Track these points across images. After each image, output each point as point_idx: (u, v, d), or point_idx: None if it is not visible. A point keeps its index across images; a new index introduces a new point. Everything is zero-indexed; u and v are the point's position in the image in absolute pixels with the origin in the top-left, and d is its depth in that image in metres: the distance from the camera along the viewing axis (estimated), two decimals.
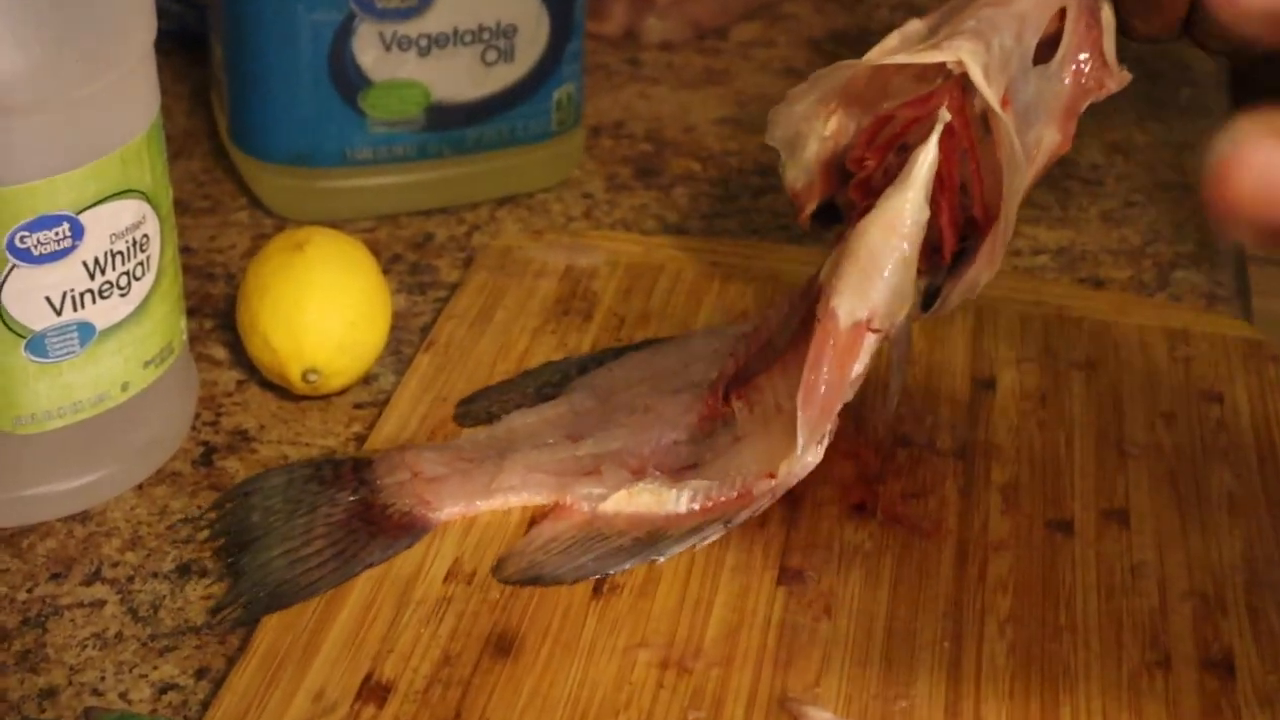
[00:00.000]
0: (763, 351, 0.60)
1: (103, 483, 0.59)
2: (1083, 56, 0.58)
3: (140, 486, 0.60)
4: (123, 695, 0.52)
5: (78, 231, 0.54)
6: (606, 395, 0.62)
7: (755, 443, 0.57)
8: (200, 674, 0.53)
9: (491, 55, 0.74)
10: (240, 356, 0.66)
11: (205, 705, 0.51)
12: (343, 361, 0.63)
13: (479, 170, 0.77)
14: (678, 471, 0.58)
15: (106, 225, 0.55)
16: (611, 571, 0.55)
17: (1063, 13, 0.57)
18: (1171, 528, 0.58)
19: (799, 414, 0.54)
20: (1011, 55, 0.55)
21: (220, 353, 0.68)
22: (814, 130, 0.60)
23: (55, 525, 0.59)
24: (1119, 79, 0.59)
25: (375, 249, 0.73)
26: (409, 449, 0.59)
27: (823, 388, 0.54)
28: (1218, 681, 0.52)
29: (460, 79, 0.74)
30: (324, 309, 0.63)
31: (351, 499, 0.57)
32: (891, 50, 0.58)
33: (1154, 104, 0.88)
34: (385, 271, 0.72)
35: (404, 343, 0.68)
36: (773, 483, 0.56)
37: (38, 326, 0.55)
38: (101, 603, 0.56)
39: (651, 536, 0.56)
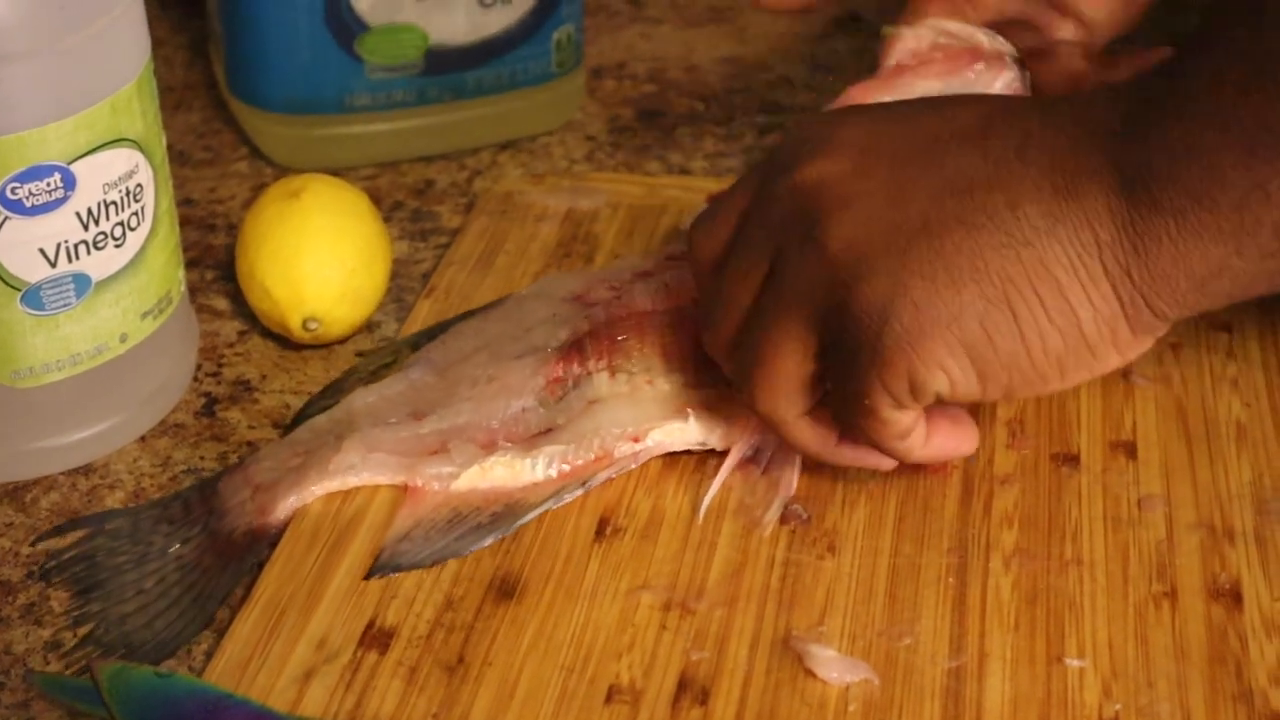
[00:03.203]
0: (633, 320, 0.58)
1: (105, 435, 0.59)
2: None
3: (143, 438, 0.60)
4: None
5: (69, 182, 0.54)
6: (444, 368, 0.59)
7: (618, 407, 0.56)
8: (204, 624, 0.53)
9: None
10: (241, 307, 0.66)
11: (209, 655, 0.51)
12: (343, 309, 0.63)
13: (479, 115, 0.76)
14: (531, 439, 0.56)
15: (99, 175, 0.55)
16: (471, 550, 0.53)
17: None
18: (1179, 459, 0.57)
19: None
20: None
21: (221, 303, 0.68)
22: None
23: (58, 479, 0.59)
24: None
25: (376, 196, 0.73)
26: (251, 464, 0.57)
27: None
28: (1225, 611, 0.51)
29: (458, 22, 0.73)
30: (322, 257, 0.63)
31: (201, 534, 0.55)
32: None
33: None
34: (386, 219, 0.72)
35: (406, 290, 0.68)
36: (637, 446, 0.56)
37: (32, 279, 0.55)
38: None
39: (509, 510, 0.55)
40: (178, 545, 0.55)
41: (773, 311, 0.50)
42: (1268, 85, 0.42)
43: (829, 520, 0.55)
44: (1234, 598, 0.52)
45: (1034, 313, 0.46)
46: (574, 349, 0.58)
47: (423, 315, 0.65)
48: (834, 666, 0.49)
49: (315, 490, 0.56)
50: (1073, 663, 0.50)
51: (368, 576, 0.53)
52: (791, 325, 0.50)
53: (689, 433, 0.56)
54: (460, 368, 0.59)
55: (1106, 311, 0.46)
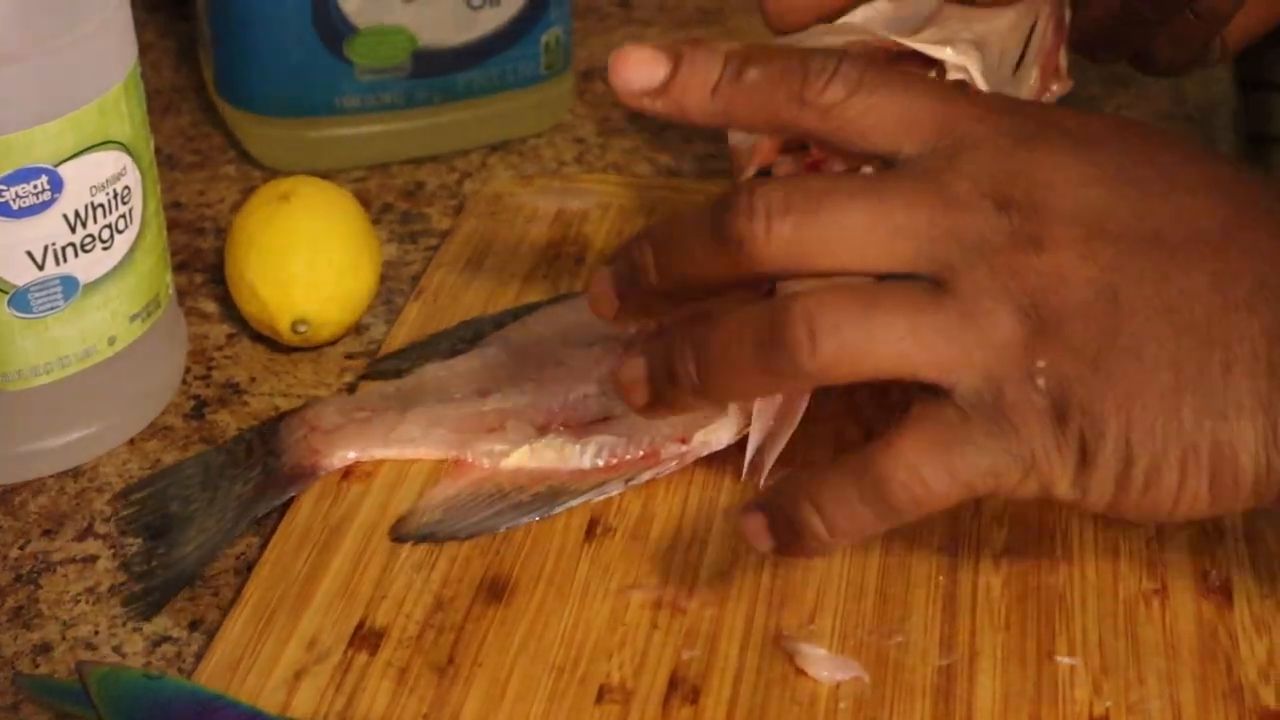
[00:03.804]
0: (695, 319, 0.59)
1: (94, 438, 0.59)
2: (1044, 64, 0.62)
3: (132, 441, 0.60)
4: (116, 649, 0.52)
5: (57, 184, 0.54)
6: (520, 350, 0.60)
7: None
8: (194, 626, 0.53)
9: None
10: (230, 310, 0.66)
11: (199, 656, 0.51)
12: (332, 312, 0.63)
13: (468, 117, 0.76)
14: (585, 425, 0.57)
15: (86, 177, 0.55)
16: (505, 527, 0.54)
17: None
18: None
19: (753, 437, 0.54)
20: (996, 71, 0.59)
21: (210, 306, 0.67)
22: None
23: (47, 481, 0.58)
24: (1064, 85, 0.63)
25: (366, 198, 0.73)
26: (311, 406, 0.59)
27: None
28: (1215, 609, 0.51)
29: (446, 24, 0.73)
30: (311, 259, 0.62)
31: (260, 473, 0.57)
32: (872, 26, 0.59)
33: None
34: (376, 221, 0.72)
35: (395, 292, 0.68)
36: (684, 448, 0.56)
37: (20, 281, 0.55)
38: (94, 558, 0.55)
39: (553, 491, 0.55)
40: (239, 486, 0.56)
41: (903, 330, 0.43)
42: None
43: None
44: (1224, 595, 0.52)
45: (1200, 483, 0.44)
46: (637, 342, 0.59)
47: (412, 317, 0.65)
48: (824, 665, 0.49)
49: (374, 453, 0.57)
50: (1063, 660, 0.50)
51: (400, 540, 0.54)
52: (913, 350, 0.44)
53: (728, 426, 0.55)
54: (535, 350, 0.60)
55: (1270, 497, 0.44)
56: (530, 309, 0.63)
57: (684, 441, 0.56)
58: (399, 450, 0.57)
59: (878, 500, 0.44)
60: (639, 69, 0.45)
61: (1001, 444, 0.44)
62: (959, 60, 0.58)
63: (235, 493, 0.56)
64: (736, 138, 0.64)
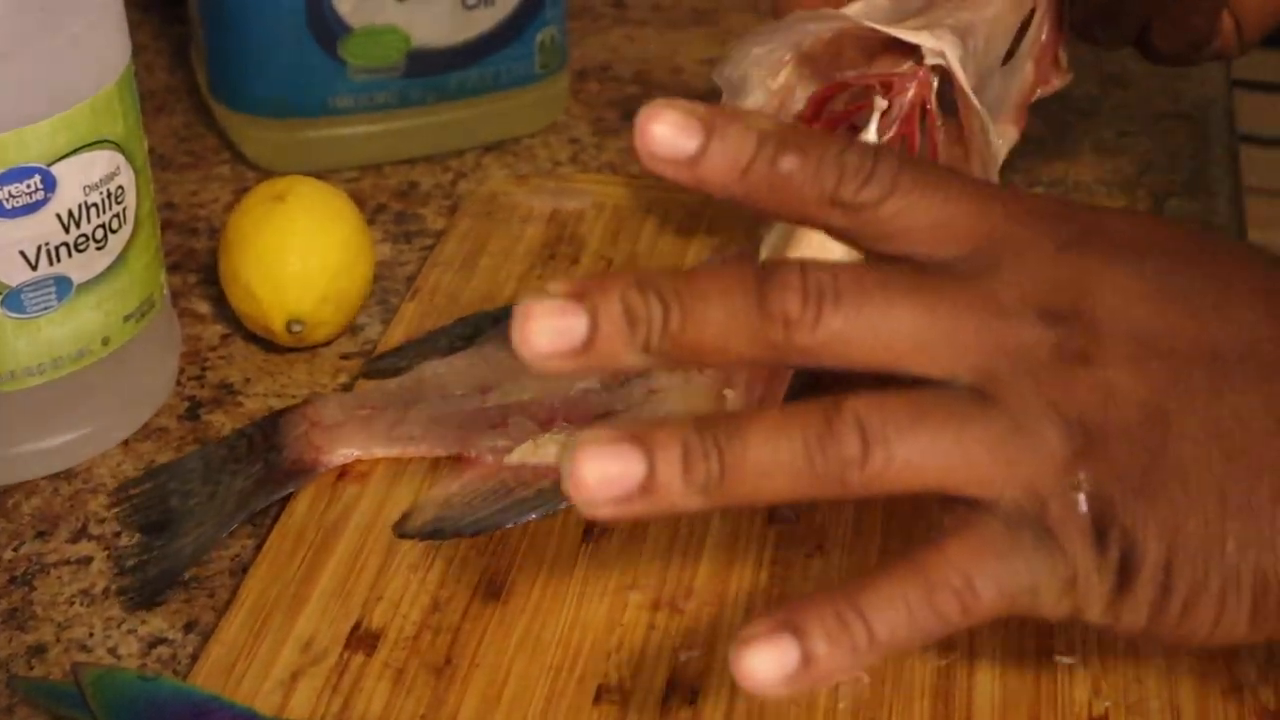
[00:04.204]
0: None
1: (87, 439, 0.59)
2: (1040, 56, 0.62)
3: (126, 442, 0.60)
4: (111, 650, 0.52)
5: (50, 183, 0.54)
6: None
7: (672, 398, 0.57)
8: (189, 627, 0.53)
9: None
10: (224, 311, 0.66)
11: (194, 658, 0.51)
12: (327, 312, 0.63)
13: (463, 117, 0.76)
14: (588, 420, 0.57)
15: (79, 177, 0.54)
16: (511, 524, 0.54)
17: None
18: None
19: None
20: (981, 59, 0.58)
21: (204, 307, 0.67)
22: (762, 80, 0.60)
23: (40, 483, 0.58)
24: (1063, 77, 0.64)
25: (360, 199, 0.73)
26: (312, 402, 0.59)
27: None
28: None
29: (440, 23, 0.73)
30: (306, 259, 0.62)
31: (262, 468, 0.57)
32: (858, 15, 0.59)
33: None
34: (370, 221, 0.71)
35: (390, 292, 0.68)
36: None
37: (13, 282, 0.54)
38: (88, 559, 0.55)
39: (557, 487, 0.54)
40: (240, 481, 0.56)
41: (949, 444, 0.41)
42: None
43: (817, 519, 0.55)
44: None
45: (1239, 614, 0.41)
46: None
47: (407, 317, 0.65)
48: None
49: (376, 451, 0.57)
50: (1063, 660, 0.50)
51: (404, 536, 0.54)
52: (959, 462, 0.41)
53: None
54: None
55: None
56: None
57: None
58: (401, 448, 0.57)
59: (925, 608, 0.41)
60: (668, 138, 0.42)
61: (1046, 559, 0.41)
62: (935, 45, 0.57)
63: (236, 487, 0.56)
64: None
